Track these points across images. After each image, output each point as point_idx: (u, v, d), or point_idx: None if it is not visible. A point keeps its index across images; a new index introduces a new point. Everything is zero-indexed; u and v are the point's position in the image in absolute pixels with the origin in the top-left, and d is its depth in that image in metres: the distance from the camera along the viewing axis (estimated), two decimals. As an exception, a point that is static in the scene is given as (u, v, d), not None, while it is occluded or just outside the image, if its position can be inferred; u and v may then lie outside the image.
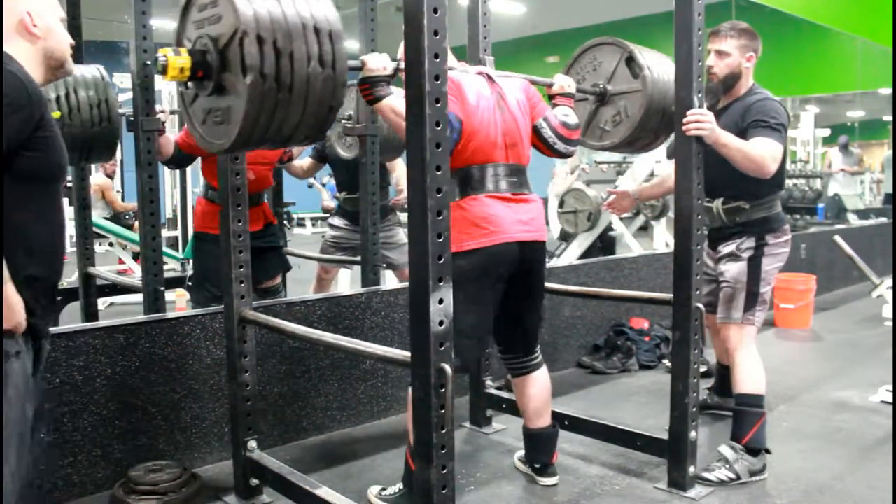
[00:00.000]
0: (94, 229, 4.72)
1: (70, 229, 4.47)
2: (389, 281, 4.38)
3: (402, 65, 1.82)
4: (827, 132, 13.15)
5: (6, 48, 1.53)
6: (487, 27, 3.02)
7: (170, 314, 2.87)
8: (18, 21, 1.57)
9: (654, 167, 5.77)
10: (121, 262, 6.35)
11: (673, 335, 2.57)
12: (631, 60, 2.87)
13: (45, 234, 1.57)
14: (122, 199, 7.67)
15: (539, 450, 2.65)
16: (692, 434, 2.52)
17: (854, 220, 9.31)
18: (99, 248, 5.84)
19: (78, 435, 2.51)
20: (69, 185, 3.96)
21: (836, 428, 3.22)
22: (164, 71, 1.76)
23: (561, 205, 5.88)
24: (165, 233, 6.82)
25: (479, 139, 2.33)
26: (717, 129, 2.48)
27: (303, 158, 4.24)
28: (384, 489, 2.50)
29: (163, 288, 2.95)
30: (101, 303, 4.53)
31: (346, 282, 4.68)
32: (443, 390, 1.73)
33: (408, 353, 1.81)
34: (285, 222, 5.09)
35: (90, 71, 2.84)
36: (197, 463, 2.77)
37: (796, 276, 5.23)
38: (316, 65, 1.74)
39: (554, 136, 2.52)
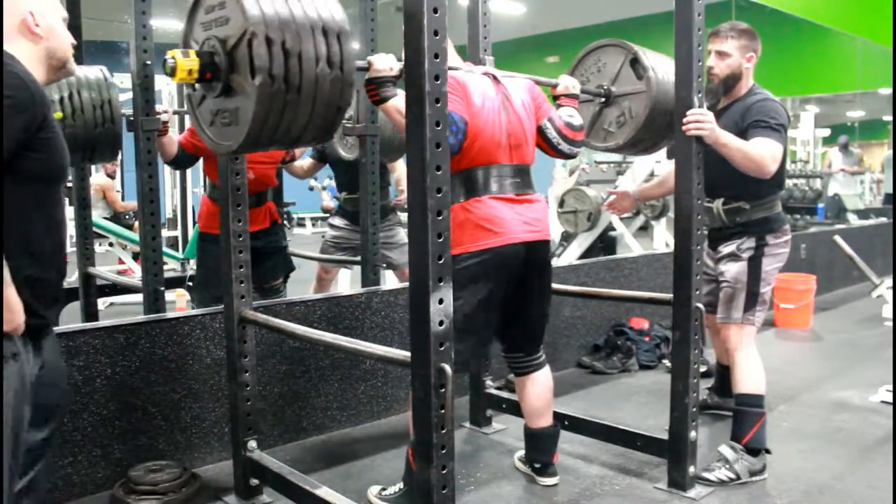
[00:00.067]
0: (94, 229, 4.72)
1: (70, 229, 4.47)
2: (389, 281, 4.38)
3: None
4: (827, 132, 13.15)
5: (9, 48, 1.53)
6: (487, 27, 3.02)
7: (170, 314, 2.87)
8: (21, 21, 1.57)
9: (654, 167, 5.77)
10: (121, 262, 6.35)
11: (673, 335, 2.58)
12: (635, 62, 2.87)
13: (46, 234, 1.57)
14: (122, 199, 7.68)
15: (540, 449, 2.65)
16: (692, 434, 2.52)
17: (854, 220, 9.30)
18: (99, 248, 5.84)
19: (78, 435, 2.51)
20: (69, 184, 3.96)
21: (836, 428, 3.22)
22: (172, 73, 1.76)
23: (561, 205, 5.88)
24: (165, 233, 6.82)
25: (484, 140, 2.33)
26: (716, 129, 2.48)
27: (303, 159, 4.24)
28: (384, 489, 2.50)
29: (163, 288, 2.95)
30: (101, 303, 4.53)
31: (346, 282, 4.68)
32: (443, 390, 1.73)
33: (408, 353, 1.81)
34: (285, 222, 5.08)
35: (93, 72, 2.85)
36: (197, 463, 2.77)
37: (796, 276, 5.23)
38: (324, 66, 1.74)
39: (558, 137, 2.53)
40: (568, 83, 2.67)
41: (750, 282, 2.77)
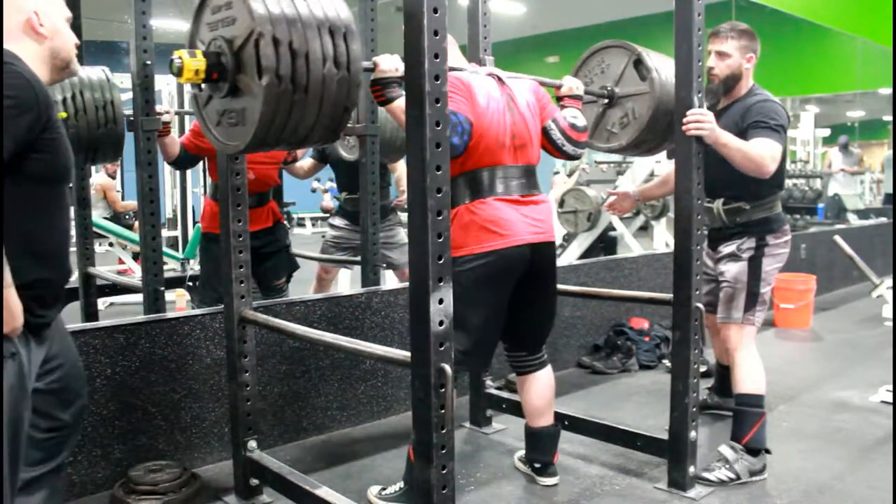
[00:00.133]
0: (94, 229, 4.72)
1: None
2: (389, 281, 4.38)
3: None
4: (827, 132, 13.16)
5: (13, 48, 1.53)
6: (487, 27, 3.02)
7: (170, 314, 2.87)
8: (25, 20, 1.57)
9: (655, 167, 5.77)
10: (121, 262, 6.35)
11: (673, 335, 2.58)
12: (639, 63, 2.87)
13: (50, 235, 1.58)
14: (122, 199, 7.68)
15: (540, 449, 2.65)
16: (692, 434, 2.52)
17: (854, 220, 9.30)
18: (99, 248, 5.84)
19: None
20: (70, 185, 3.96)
21: (836, 428, 3.22)
22: (179, 73, 1.77)
23: (561, 205, 5.88)
24: (165, 233, 6.83)
25: (489, 140, 2.33)
26: (716, 128, 2.49)
27: (304, 159, 4.24)
28: (384, 489, 2.50)
29: (163, 288, 2.95)
30: (101, 303, 4.53)
31: (347, 282, 4.68)
32: (443, 390, 1.73)
33: (408, 353, 1.81)
34: (285, 222, 5.07)
35: (96, 73, 2.86)
36: (197, 463, 2.77)
37: (796, 276, 5.23)
38: (331, 66, 1.74)
39: (563, 138, 2.53)
40: (572, 84, 2.68)
41: (750, 282, 2.77)
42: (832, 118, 15.42)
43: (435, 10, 1.65)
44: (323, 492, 2.19)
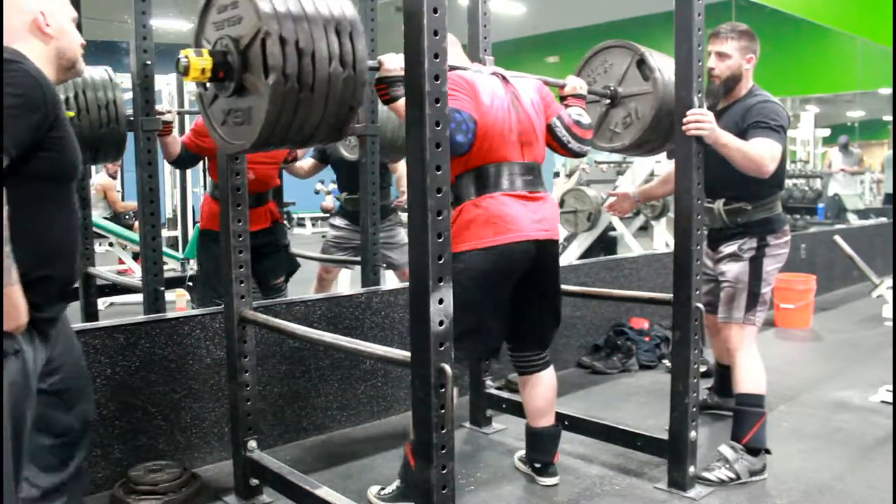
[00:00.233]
0: (95, 229, 4.72)
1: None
2: (389, 281, 4.38)
3: None
4: (827, 132, 13.15)
5: (19, 48, 1.53)
6: (487, 27, 3.02)
7: (170, 314, 2.87)
8: (32, 20, 1.57)
9: (655, 167, 5.77)
10: (121, 262, 6.35)
11: (673, 335, 2.58)
12: (642, 63, 2.87)
13: (58, 232, 1.58)
14: (123, 199, 7.68)
15: (541, 449, 2.65)
16: (692, 434, 2.52)
17: (854, 220, 9.30)
18: (99, 248, 5.85)
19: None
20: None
21: (836, 428, 3.22)
22: (185, 71, 1.77)
23: (561, 205, 5.88)
24: (165, 233, 6.83)
25: (494, 138, 2.33)
26: (716, 129, 2.49)
27: (304, 159, 4.24)
28: (383, 489, 2.50)
29: (163, 288, 2.95)
30: (101, 303, 4.53)
31: (347, 282, 4.68)
32: (443, 390, 1.73)
33: (408, 353, 1.81)
34: (285, 222, 5.08)
35: (98, 72, 2.88)
36: (197, 463, 2.77)
37: (796, 276, 5.23)
38: (337, 65, 1.74)
39: (568, 135, 2.53)
40: (575, 84, 2.68)
41: (751, 282, 2.77)
42: (832, 118, 15.41)
43: (435, 10, 1.65)
44: (323, 492, 2.19)
